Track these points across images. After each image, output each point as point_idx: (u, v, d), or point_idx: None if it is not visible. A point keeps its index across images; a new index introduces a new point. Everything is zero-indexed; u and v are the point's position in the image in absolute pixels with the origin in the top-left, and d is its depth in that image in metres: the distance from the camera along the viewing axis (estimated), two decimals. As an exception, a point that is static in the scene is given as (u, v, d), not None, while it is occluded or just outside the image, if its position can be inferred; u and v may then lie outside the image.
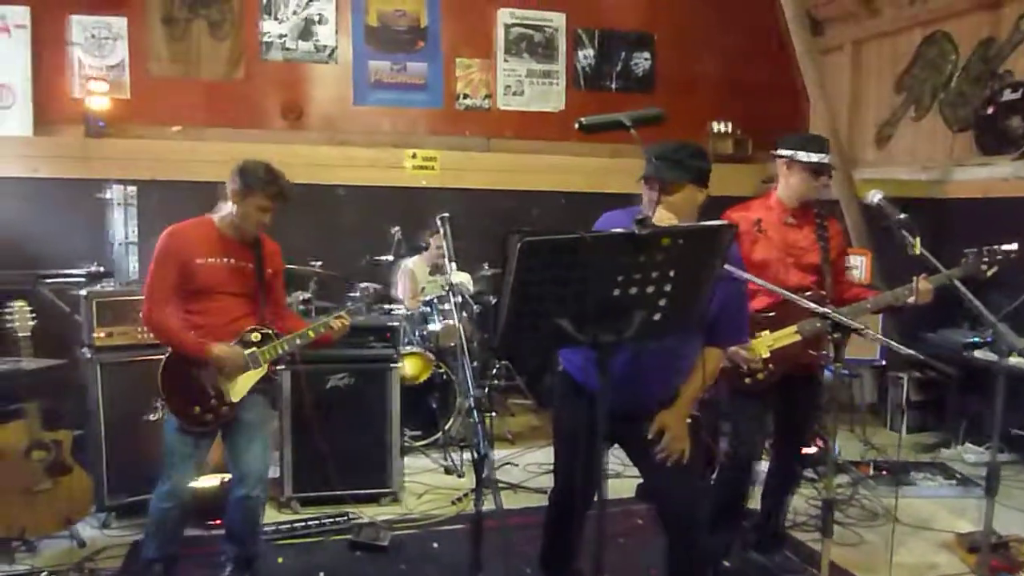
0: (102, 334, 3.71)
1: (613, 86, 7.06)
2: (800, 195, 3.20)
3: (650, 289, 1.81)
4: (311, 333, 3.14)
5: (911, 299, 3.09)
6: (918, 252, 2.74)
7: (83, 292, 3.77)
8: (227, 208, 2.98)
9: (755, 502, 3.46)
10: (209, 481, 3.65)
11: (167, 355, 2.94)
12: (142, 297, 3.72)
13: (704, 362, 2.57)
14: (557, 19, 6.87)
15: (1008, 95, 5.28)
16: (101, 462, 3.69)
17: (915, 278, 3.08)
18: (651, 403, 2.57)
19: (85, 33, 5.84)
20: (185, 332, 2.91)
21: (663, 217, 2.35)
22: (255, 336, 3.03)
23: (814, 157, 3.12)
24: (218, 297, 2.96)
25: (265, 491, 3.13)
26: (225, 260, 2.96)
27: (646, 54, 7.09)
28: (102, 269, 4.69)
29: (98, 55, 5.87)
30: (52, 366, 3.79)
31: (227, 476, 3.38)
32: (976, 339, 4.87)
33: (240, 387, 3.00)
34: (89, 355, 3.71)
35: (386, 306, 5.20)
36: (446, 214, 2.67)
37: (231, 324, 3.00)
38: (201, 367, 2.93)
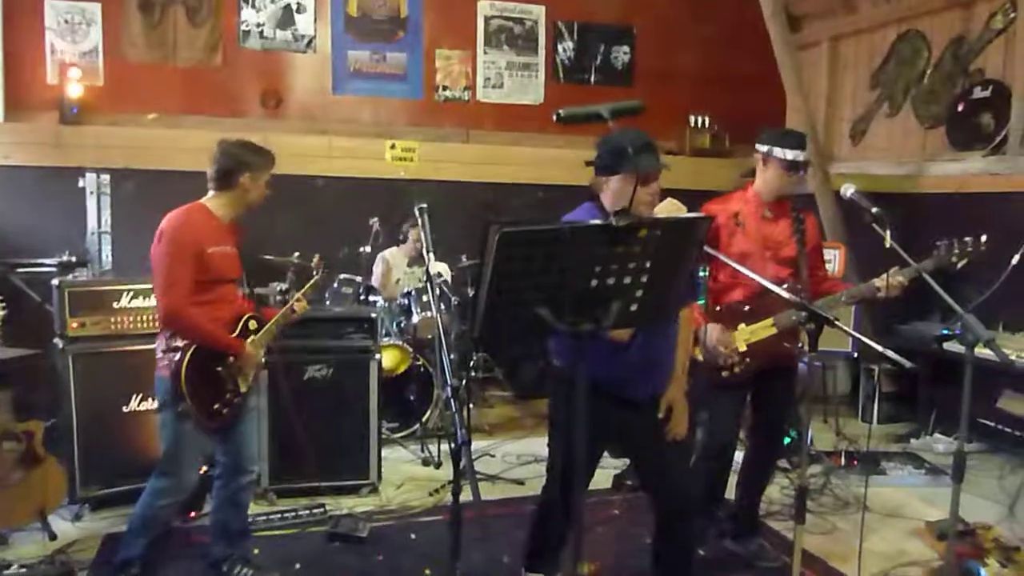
0: (75, 324, 3.66)
1: (592, 79, 7.07)
2: (776, 190, 3.23)
3: (627, 280, 1.83)
4: (288, 313, 3.13)
5: (882, 293, 3.15)
6: (888, 245, 2.79)
7: (55, 282, 3.72)
8: (226, 194, 2.89)
9: (730, 491, 3.51)
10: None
11: (189, 353, 2.77)
12: (115, 287, 3.68)
13: (682, 329, 2.70)
14: (537, 11, 6.86)
15: (979, 92, 5.36)
16: (74, 453, 3.64)
17: (888, 272, 3.13)
18: (661, 385, 2.64)
19: (58, 18, 5.75)
20: (217, 328, 2.82)
21: (671, 207, 2.33)
22: (252, 324, 2.98)
23: (789, 155, 3.14)
24: (222, 286, 2.89)
25: None
26: (225, 247, 2.89)
27: (625, 47, 7.11)
28: (75, 259, 4.63)
29: (71, 40, 5.77)
30: (24, 356, 3.74)
31: (205, 468, 3.36)
32: (946, 331, 4.95)
33: (250, 377, 2.99)
34: (61, 345, 3.66)
35: (371, 297, 5.20)
36: (424, 205, 2.66)
37: (234, 313, 2.94)
38: (224, 363, 2.87)
